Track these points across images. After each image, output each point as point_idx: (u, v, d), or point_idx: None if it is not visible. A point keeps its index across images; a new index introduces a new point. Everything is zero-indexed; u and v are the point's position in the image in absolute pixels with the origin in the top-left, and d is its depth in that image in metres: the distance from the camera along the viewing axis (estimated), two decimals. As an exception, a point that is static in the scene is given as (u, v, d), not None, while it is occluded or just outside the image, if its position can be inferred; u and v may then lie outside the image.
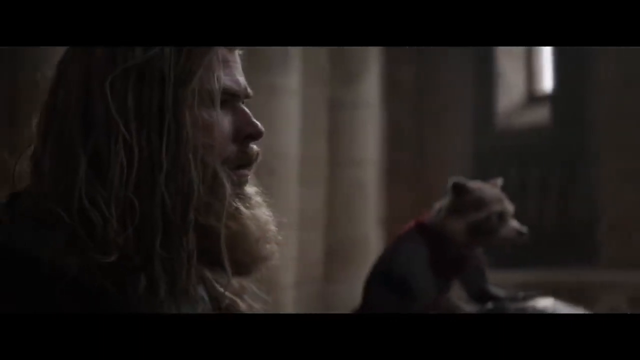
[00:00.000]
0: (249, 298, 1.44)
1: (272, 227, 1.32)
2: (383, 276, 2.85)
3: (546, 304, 2.67)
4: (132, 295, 1.17)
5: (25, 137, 1.27)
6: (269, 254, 1.31)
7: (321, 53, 5.58)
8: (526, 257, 9.81)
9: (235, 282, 1.39)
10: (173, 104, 1.21)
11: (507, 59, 11.63)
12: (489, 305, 2.72)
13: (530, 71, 11.76)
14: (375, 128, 6.21)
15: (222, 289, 1.37)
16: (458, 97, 11.13)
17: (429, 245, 2.74)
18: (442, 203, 2.78)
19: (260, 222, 1.29)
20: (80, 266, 1.14)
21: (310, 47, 5.13)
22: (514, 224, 2.69)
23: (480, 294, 2.87)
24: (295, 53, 4.73)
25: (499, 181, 2.76)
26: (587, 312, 2.58)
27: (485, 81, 11.62)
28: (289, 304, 4.67)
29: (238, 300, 1.41)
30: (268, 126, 4.03)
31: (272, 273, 4.01)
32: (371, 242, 5.77)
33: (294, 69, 4.72)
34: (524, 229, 2.68)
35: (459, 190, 2.67)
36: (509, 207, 2.68)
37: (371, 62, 6.05)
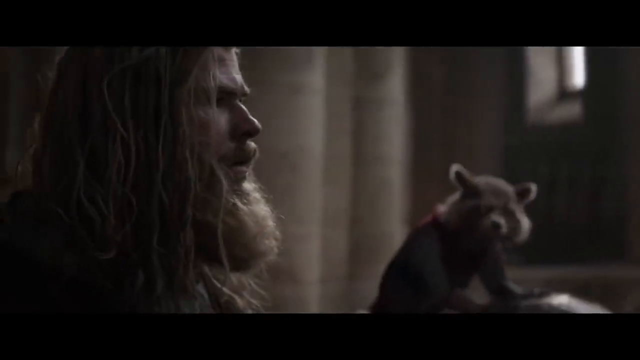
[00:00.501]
0: (247, 294, 1.45)
1: (270, 223, 1.34)
2: (399, 271, 2.87)
3: (561, 300, 2.67)
4: (130, 291, 1.20)
5: (28, 137, 1.30)
6: (267, 250, 1.32)
7: (346, 52, 5.60)
8: (556, 253, 9.77)
9: (234, 278, 1.41)
10: (169, 102, 1.23)
11: (538, 56, 11.57)
12: (506, 300, 2.73)
13: (562, 68, 11.70)
14: (400, 126, 6.21)
15: (220, 285, 1.40)
16: (489, 94, 11.09)
17: (444, 240, 2.76)
18: (454, 197, 2.80)
19: (258, 218, 1.31)
20: (79, 264, 1.17)
21: (335, 47, 5.14)
22: (495, 217, 2.68)
23: (498, 290, 2.88)
24: (319, 52, 4.74)
25: (533, 187, 2.75)
26: (601, 310, 2.59)
27: (517, 78, 11.58)
28: (313, 302, 4.69)
29: (236, 297, 1.43)
30: (292, 125, 4.06)
31: (297, 270, 4.03)
32: (396, 240, 5.77)
33: (319, 68, 4.74)
34: (500, 222, 2.67)
35: (460, 178, 2.70)
36: (503, 204, 2.68)
37: (396, 60, 6.05)
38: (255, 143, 3.88)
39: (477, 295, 2.82)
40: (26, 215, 1.22)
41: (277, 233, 1.36)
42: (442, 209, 2.84)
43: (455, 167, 2.76)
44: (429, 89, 10.38)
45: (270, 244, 1.34)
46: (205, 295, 1.40)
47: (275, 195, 4.05)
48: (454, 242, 2.73)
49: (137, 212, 1.21)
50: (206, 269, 1.36)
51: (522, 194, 2.87)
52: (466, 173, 2.75)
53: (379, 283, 2.97)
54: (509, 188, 2.80)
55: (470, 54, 10.38)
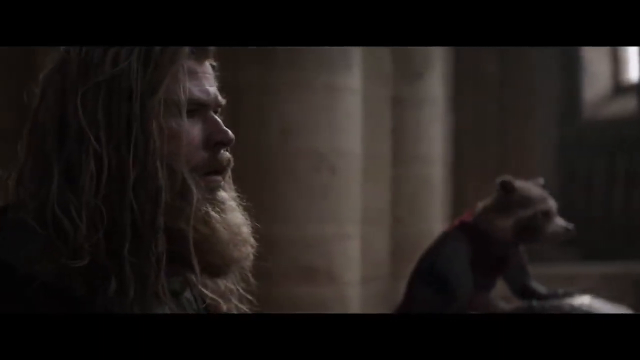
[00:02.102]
0: (235, 299, 1.50)
1: (245, 230, 1.39)
2: (425, 274, 2.88)
3: (583, 301, 2.66)
4: (103, 297, 1.25)
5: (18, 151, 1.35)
6: (241, 256, 1.37)
7: (384, 52, 5.59)
8: (612, 249, 9.65)
9: (220, 283, 1.46)
10: (140, 114, 1.28)
11: (593, 50, 11.44)
12: (532, 302, 2.73)
13: (616, 62, 11.56)
14: (440, 125, 6.20)
15: (205, 290, 1.45)
16: (544, 89, 10.99)
17: (473, 245, 2.76)
18: (485, 202, 2.80)
19: (231, 226, 1.36)
20: (54, 271, 1.22)
21: (373, 47, 5.14)
22: (560, 221, 2.70)
23: (522, 291, 2.87)
24: (357, 52, 4.74)
25: (541, 180, 2.77)
26: (626, 310, 2.58)
27: (571, 72, 11.46)
28: (355, 301, 4.70)
29: (221, 301, 1.47)
30: (330, 125, 4.06)
31: (337, 271, 4.04)
32: (438, 239, 5.75)
33: (356, 68, 4.74)
34: (571, 225, 2.69)
35: (506, 188, 2.70)
36: (554, 205, 2.70)
37: (436, 59, 6.04)
38: (294, 144, 3.93)
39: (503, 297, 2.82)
40: (8, 226, 1.28)
41: (253, 240, 1.41)
42: (476, 215, 2.83)
43: (502, 178, 2.75)
44: (484, 85, 10.33)
45: (246, 250, 1.39)
46: (192, 299, 1.45)
47: (313, 196, 4.07)
48: (483, 246, 2.74)
49: (110, 221, 1.26)
50: (192, 276, 1.40)
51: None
52: (513, 182, 2.74)
53: (405, 286, 2.97)
54: (541, 188, 2.80)
55: (525, 49, 10.31)
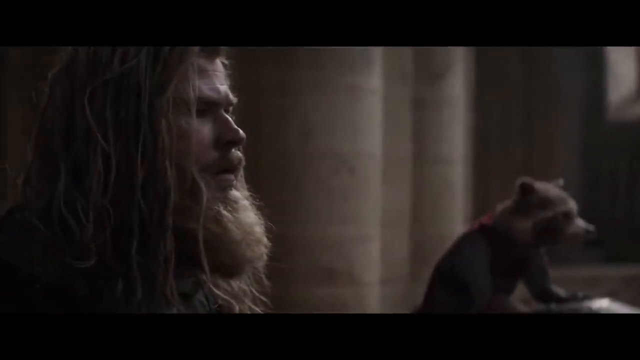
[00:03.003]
0: (248, 300, 1.48)
1: (258, 230, 1.37)
2: (445, 276, 2.86)
3: (601, 304, 2.65)
4: (109, 299, 1.23)
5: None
6: (253, 256, 1.36)
7: (405, 53, 5.57)
8: (636, 251, 9.58)
9: (234, 285, 1.45)
10: (149, 112, 1.27)
11: (618, 51, 11.36)
12: (551, 305, 2.71)
13: (641, 63, 11.47)
14: (461, 126, 6.17)
15: (217, 291, 1.44)
16: (568, 89, 10.93)
17: (492, 247, 2.75)
18: (505, 204, 2.78)
19: (243, 225, 1.34)
20: (58, 272, 1.21)
21: (393, 47, 5.12)
22: (580, 222, 2.68)
23: (542, 294, 2.86)
24: (377, 53, 4.73)
25: (561, 182, 2.75)
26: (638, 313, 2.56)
27: (596, 73, 11.39)
28: (374, 303, 4.69)
29: (234, 302, 1.46)
30: (350, 126, 4.05)
31: (357, 272, 4.02)
32: (458, 241, 5.73)
33: (377, 69, 4.73)
34: (591, 227, 2.67)
35: (525, 190, 2.68)
36: (574, 206, 2.67)
37: (457, 59, 6.01)
38: (314, 145, 3.92)
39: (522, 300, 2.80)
40: (14, 227, 1.28)
41: (266, 240, 1.39)
42: (495, 217, 2.81)
43: (521, 179, 2.74)
44: (508, 85, 10.29)
45: (259, 250, 1.37)
46: (205, 302, 1.44)
47: (333, 197, 4.05)
48: (503, 248, 2.72)
49: (117, 220, 1.25)
50: (204, 276, 1.38)
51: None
52: (533, 183, 2.72)
53: (425, 288, 2.96)
54: (560, 190, 2.77)
55: (549, 49, 10.25)
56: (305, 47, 4.06)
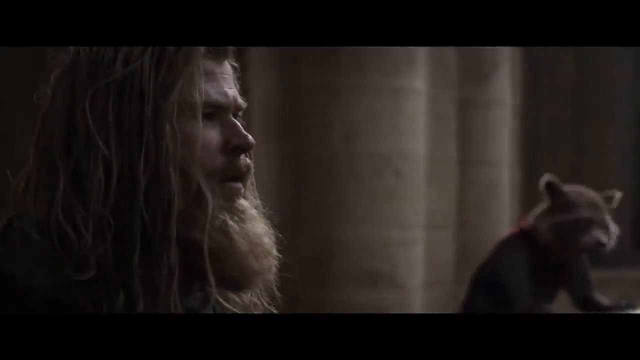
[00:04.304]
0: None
1: (267, 241, 1.30)
2: (484, 282, 2.82)
3: (645, 312, 2.59)
4: (109, 312, 1.18)
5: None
6: (262, 269, 1.28)
7: (450, 52, 5.53)
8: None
9: (245, 298, 1.38)
10: (152, 116, 1.21)
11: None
12: (591, 312, 2.66)
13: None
14: (508, 127, 6.11)
15: (227, 305, 1.37)
16: (620, 91, 10.80)
17: (531, 252, 2.70)
18: (539, 207, 2.73)
19: (250, 236, 1.27)
20: (56, 284, 1.16)
21: (438, 48, 5.08)
22: (599, 233, 2.62)
23: (584, 302, 2.81)
24: (421, 54, 4.69)
25: (617, 194, 2.67)
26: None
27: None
28: (417, 307, 4.65)
29: None
30: (394, 128, 4.02)
31: (400, 275, 3.99)
32: (504, 244, 5.67)
33: (421, 70, 4.69)
34: (605, 239, 2.61)
35: (551, 189, 2.63)
36: (598, 215, 2.61)
37: (504, 59, 5.95)
38: (358, 146, 3.88)
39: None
40: (12, 237, 1.23)
41: (275, 251, 1.31)
42: (529, 220, 2.77)
43: (546, 177, 2.69)
44: (559, 87, 10.18)
45: (268, 262, 1.29)
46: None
47: (377, 199, 4.03)
48: (543, 254, 2.68)
49: (118, 230, 1.19)
50: (213, 290, 1.30)
51: (607, 201, 2.79)
52: (558, 183, 2.68)
53: (465, 292, 2.92)
54: (599, 198, 2.72)
55: (601, 49, 10.13)
56: (348, 47, 4.04)
